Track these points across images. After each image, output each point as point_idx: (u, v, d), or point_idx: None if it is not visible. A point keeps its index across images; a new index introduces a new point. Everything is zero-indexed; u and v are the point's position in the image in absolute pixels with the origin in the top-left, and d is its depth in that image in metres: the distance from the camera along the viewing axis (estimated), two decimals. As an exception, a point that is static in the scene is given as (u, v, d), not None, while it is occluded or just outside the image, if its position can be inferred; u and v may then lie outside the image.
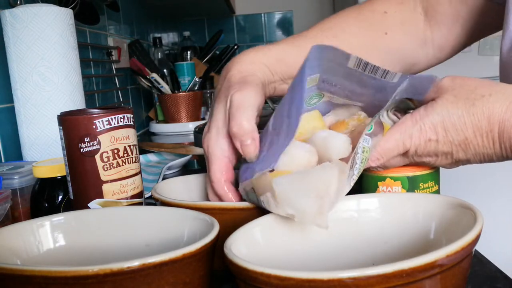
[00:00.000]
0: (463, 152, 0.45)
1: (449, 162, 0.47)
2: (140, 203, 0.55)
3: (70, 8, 0.84)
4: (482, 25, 0.66)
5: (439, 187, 0.54)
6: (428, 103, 0.46)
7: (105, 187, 0.52)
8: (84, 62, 1.22)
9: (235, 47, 1.99)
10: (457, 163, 0.47)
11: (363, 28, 0.65)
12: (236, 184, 0.50)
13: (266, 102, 0.58)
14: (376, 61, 0.61)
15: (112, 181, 0.52)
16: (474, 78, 0.46)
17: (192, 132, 1.22)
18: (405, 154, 0.47)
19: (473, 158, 0.46)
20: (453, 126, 0.44)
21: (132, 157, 0.54)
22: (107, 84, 1.43)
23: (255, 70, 0.54)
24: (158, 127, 1.63)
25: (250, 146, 0.47)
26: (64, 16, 0.80)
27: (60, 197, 0.61)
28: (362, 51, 0.62)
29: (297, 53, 0.58)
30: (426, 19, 0.68)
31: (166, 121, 1.63)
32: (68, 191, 0.54)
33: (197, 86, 1.67)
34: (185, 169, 1.01)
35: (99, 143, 0.51)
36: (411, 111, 0.48)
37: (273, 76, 0.56)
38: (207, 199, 0.56)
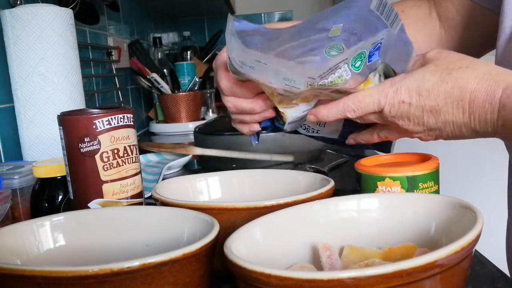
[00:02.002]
0: (433, 118, 0.47)
1: (421, 130, 0.49)
2: (140, 203, 0.55)
3: (70, 8, 0.84)
4: (493, 31, 0.66)
5: (438, 187, 0.54)
6: (411, 70, 0.48)
7: (105, 187, 0.52)
8: (84, 62, 1.22)
9: (235, 47, 1.98)
10: (429, 131, 0.49)
11: None
12: None
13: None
14: None
15: (112, 181, 0.52)
16: (460, 54, 0.48)
17: (192, 132, 1.22)
18: (380, 113, 0.49)
19: (443, 126, 0.47)
20: (427, 92, 0.46)
21: (132, 157, 0.54)
22: (107, 84, 1.43)
23: None
24: (158, 127, 1.63)
25: None
26: (64, 16, 0.80)
27: (60, 197, 0.61)
28: None
29: None
30: (441, 23, 0.71)
31: (166, 121, 1.63)
32: (68, 191, 0.54)
33: (197, 86, 1.67)
34: (185, 169, 1.01)
35: (99, 143, 0.51)
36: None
37: None
38: (207, 199, 0.56)
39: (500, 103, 0.44)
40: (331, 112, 0.50)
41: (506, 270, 0.47)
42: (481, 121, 0.45)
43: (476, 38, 0.69)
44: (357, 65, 0.47)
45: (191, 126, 1.55)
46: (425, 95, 0.46)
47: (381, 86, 0.48)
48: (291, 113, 0.53)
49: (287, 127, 0.55)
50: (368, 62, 0.48)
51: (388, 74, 0.53)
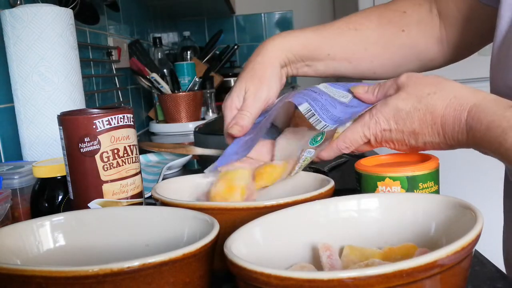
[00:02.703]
0: (413, 140, 0.53)
1: (406, 148, 0.55)
2: (140, 203, 0.55)
3: (70, 8, 0.84)
4: (489, 29, 0.67)
5: (438, 187, 0.54)
6: (385, 98, 0.53)
7: (105, 187, 0.52)
8: (84, 62, 1.22)
9: (235, 47, 1.99)
10: (413, 149, 0.54)
11: (383, 24, 0.71)
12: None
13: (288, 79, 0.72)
14: (393, 56, 0.72)
15: (112, 181, 0.52)
16: (427, 76, 0.53)
17: (192, 132, 1.22)
18: (368, 142, 0.55)
19: (424, 145, 0.53)
20: (402, 120, 0.52)
21: (132, 157, 0.54)
22: (107, 84, 1.43)
23: (277, 58, 0.67)
24: (158, 127, 1.63)
25: (238, 124, 0.62)
26: (64, 16, 0.80)
27: (60, 197, 0.61)
28: (379, 46, 0.71)
29: (321, 41, 0.69)
30: (441, 20, 0.71)
31: (166, 121, 1.63)
32: (68, 191, 0.54)
33: (197, 86, 1.67)
34: (185, 169, 1.01)
35: (99, 143, 0.51)
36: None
37: (296, 59, 0.69)
38: (207, 199, 0.56)
39: (467, 125, 0.48)
40: (330, 153, 0.58)
41: (505, 271, 0.47)
42: (455, 140, 0.50)
43: (474, 35, 0.70)
44: (318, 139, 0.58)
45: (191, 126, 1.55)
46: (402, 123, 0.52)
47: (362, 120, 0.54)
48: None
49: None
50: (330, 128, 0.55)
51: None
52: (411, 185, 0.51)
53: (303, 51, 0.68)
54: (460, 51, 0.73)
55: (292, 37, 0.69)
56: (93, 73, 1.31)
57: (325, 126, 0.53)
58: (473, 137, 0.48)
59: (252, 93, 0.63)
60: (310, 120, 0.54)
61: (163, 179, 0.77)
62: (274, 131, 0.64)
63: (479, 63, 1.68)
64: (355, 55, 0.71)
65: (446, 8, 0.70)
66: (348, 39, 0.71)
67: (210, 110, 1.76)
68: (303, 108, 0.54)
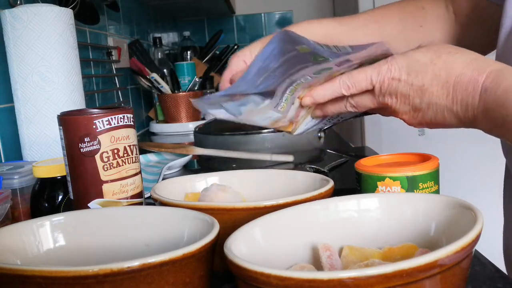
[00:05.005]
0: (418, 98, 0.50)
1: (407, 109, 0.52)
2: (140, 203, 0.55)
3: (70, 8, 0.84)
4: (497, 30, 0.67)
5: (438, 187, 0.54)
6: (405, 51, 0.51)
7: (105, 187, 0.52)
8: (84, 62, 1.22)
9: (235, 47, 1.99)
10: (414, 112, 0.51)
11: (403, 19, 0.71)
12: None
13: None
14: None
15: (112, 181, 0.52)
16: (453, 46, 0.51)
17: (192, 132, 1.22)
18: (372, 91, 0.52)
19: (426, 108, 0.50)
20: (415, 71, 0.49)
21: (132, 157, 0.54)
22: (107, 84, 1.43)
23: None
24: (158, 127, 1.63)
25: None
26: (64, 16, 0.80)
27: (60, 197, 0.61)
28: (399, 41, 0.70)
29: (343, 31, 0.68)
30: (456, 19, 0.72)
31: (166, 121, 1.63)
32: (68, 191, 0.54)
33: (197, 86, 1.67)
34: (185, 169, 1.01)
35: (99, 143, 0.51)
36: None
37: None
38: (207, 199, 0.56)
39: (482, 87, 0.45)
40: (327, 91, 0.53)
41: (505, 270, 0.47)
42: (463, 105, 0.47)
43: (487, 35, 0.70)
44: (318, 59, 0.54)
45: (191, 126, 1.55)
46: (414, 75, 0.49)
47: (375, 65, 0.51)
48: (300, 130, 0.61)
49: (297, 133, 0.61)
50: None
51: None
52: (411, 185, 0.51)
53: (325, 39, 0.67)
54: (475, 51, 0.73)
55: (317, 24, 0.68)
56: (93, 73, 1.31)
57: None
58: (485, 101, 0.45)
59: None
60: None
61: (163, 179, 0.77)
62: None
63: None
64: None
65: (460, 6, 0.70)
66: (370, 32, 0.70)
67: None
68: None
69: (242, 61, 0.62)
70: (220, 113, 0.57)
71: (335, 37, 0.67)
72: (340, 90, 0.52)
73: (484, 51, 0.72)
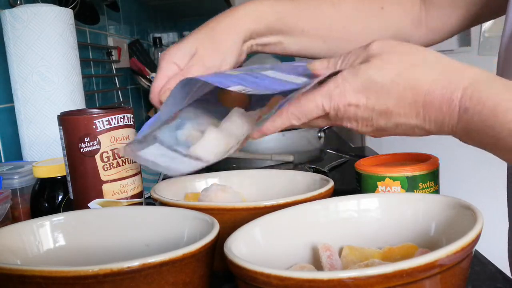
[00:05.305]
0: (383, 120, 0.43)
1: (369, 130, 0.45)
2: (140, 203, 0.55)
3: (70, 8, 0.84)
4: (480, 10, 0.65)
5: (438, 187, 0.54)
6: (355, 65, 0.43)
7: (105, 187, 0.52)
8: (84, 62, 1.22)
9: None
10: (378, 131, 0.45)
11: (361, 0, 0.66)
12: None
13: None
14: (370, 36, 0.61)
15: (112, 181, 0.52)
16: (403, 44, 0.44)
17: (192, 132, 1.22)
18: (326, 116, 0.45)
19: (394, 127, 0.44)
20: (375, 94, 0.42)
21: (132, 157, 0.54)
22: (107, 84, 1.43)
23: (244, 30, 0.58)
24: (158, 127, 1.62)
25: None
26: (64, 16, 0.80)
27: (60, 197, 0.61)
28: (357, 24, 0.64)
29: (297, 14, 0.61)
30: (422, 1, 0.68)
31: (166, 121, 1.63)
32: (68, 191, 0.54)
33: (197, 86, 1.67)
34: (185, 169, 1.01)
35: (99, 143, 0.51)
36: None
37: (266, 32, 0.60)
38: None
39: (461, 107, 0.40)
40: (277, 123, 0.46)
41: (506, 271, 0.47)
42: (437, 123, 0.42)
43: (458, 19, 0.66)
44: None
45: (191, 126, 1.55)
46: (374, 98, 0.42)
47: (324, 88, 0.44)
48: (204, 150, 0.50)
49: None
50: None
51: None
52: (411, 185, 0.51)
53: (277, 23, 0.60)
54: (439, 34, 0.68)
55: (268, 5, 0.60)
56: (93, 73, 1.31)
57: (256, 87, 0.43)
58: (467, 122, 0.40)
59: (201, 59, 0.54)
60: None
61: (163, 179, 0.77)
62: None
63: (479, 63, 1.68)
64: (332, 33, 0.64)
65: None
66: (326, 15, 0.63)
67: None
68: (234, 88, 0.43)
69: (173, 63, 0.55)
70: (153, 155, 0.47)
71: (288, 19, 0.61)
72: (289, 122, 0.46)
73: (450, 34, 0.69)
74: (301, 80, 0.45)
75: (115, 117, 0.52)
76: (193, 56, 0.54)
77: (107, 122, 0.51)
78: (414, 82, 0.41)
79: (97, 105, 1.31)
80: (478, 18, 0.66)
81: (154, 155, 0.48)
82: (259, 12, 0.59)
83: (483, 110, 0.39)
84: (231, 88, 0.43)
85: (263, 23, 0.59)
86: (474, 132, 0.40)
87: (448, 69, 0.41)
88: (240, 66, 0.58)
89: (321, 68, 0.46)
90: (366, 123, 0.44)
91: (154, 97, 0.54)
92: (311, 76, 0.45)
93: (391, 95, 0.42)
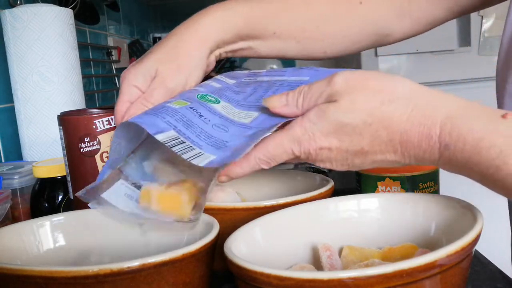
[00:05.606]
0: (360, 159, 0.41)
1: (345, 168, 0.43)
2: (140, 203, 0.55)
3: (70, 8, 0.84)
4: (465, 1, 0.64)
5: (438, 187, 0.54)
6: (321, 105, 0.40)
7: (105, 187, 0.52)
8: (84, 62, 1.22)
9: (235, 47, 1.98)
10: (355, 167, 0.43)
11: None
12: None
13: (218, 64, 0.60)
14: (349, 33, 0.59)
15: (112, 181, 0.52)
16: (370, 74, 0.41)
17: (192, 132, 1.22)
18: (297, 157, 0.42)
19: (371, 163, 0.41)
20: (348, 136, 0.40)
21: (132, 157, 0.54)
22: (107, 84, 1.43)
23: (209, 41, 0.54)
24: (158, 127, 1.62)
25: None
26: (64, 16, 0.80)
27: (60, 197, 0.61)
28: (333, 21, 0.61)
29: (266, 16, 0.58)
30: None
31: (166, 121, 1.63)
32: (68, 191, 0.54)
33: (197, 86, 1.67)
34: (185, 169, 1.01)
35: (99, 143, 0.51)
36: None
37: (235, 39, 0.57)
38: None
39: (441, 143, 0.37)
40: (245, 168, 0.43)
41: (506, 270, 0.47)
42: (418, 158, 0.39)
43: (443, 9, 0.63)
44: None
45: (191, 126, 1.55)
46: (347, 141, 0.40)
47: (290, 133, 0.41)
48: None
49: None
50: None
51: None
52: (411, 185, 0.51)
53: (246, 29, 0.56)
54: (423, 26, 0.65)
55: (234, 11, 0.56)
56: (93, 73, 1.31)
57: (198, 156, 0.39)
58: (449, 159, 0.37)
59: (163, 82, 0.50)
60: (175, 149, 0.39)
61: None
62: None
63: (479, 63, 1.68)
64: (305, 34, 0.60)
65: None
66: (298, 14, 0.59)
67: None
68: (163, 137, 0.40)
69: (133, 87, 0.50)
70: (114, 198, 0.45)
71: (257, 23, 0.57)
72: (258, 166, 0.43)
73: (434, 25, 0.66)
74: (254, 115, 0.43)
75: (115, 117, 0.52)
76: (154, 78, 0.50)
77: (107, 122, 0.51)
78: (388, 122, 0.38)
79: (97, 105, 1.31)
80: (463, 8, 0.65)
81: (116, 197, 0.46)
82: (226, 19, 0.56)
83: (465, 147, 0.36)
84: (158, 137, 0.40)
85: (230, 31, 0.56)
86: (458, 167, 0.38)
87: (423, 102, 0.38)
88: (212, 72, 0.53)
89: (280, 105, 0.42)
90: (341, 163, 0.42)
91: (118, 123, 0.50)
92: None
93: (364, 135, 0.39)
